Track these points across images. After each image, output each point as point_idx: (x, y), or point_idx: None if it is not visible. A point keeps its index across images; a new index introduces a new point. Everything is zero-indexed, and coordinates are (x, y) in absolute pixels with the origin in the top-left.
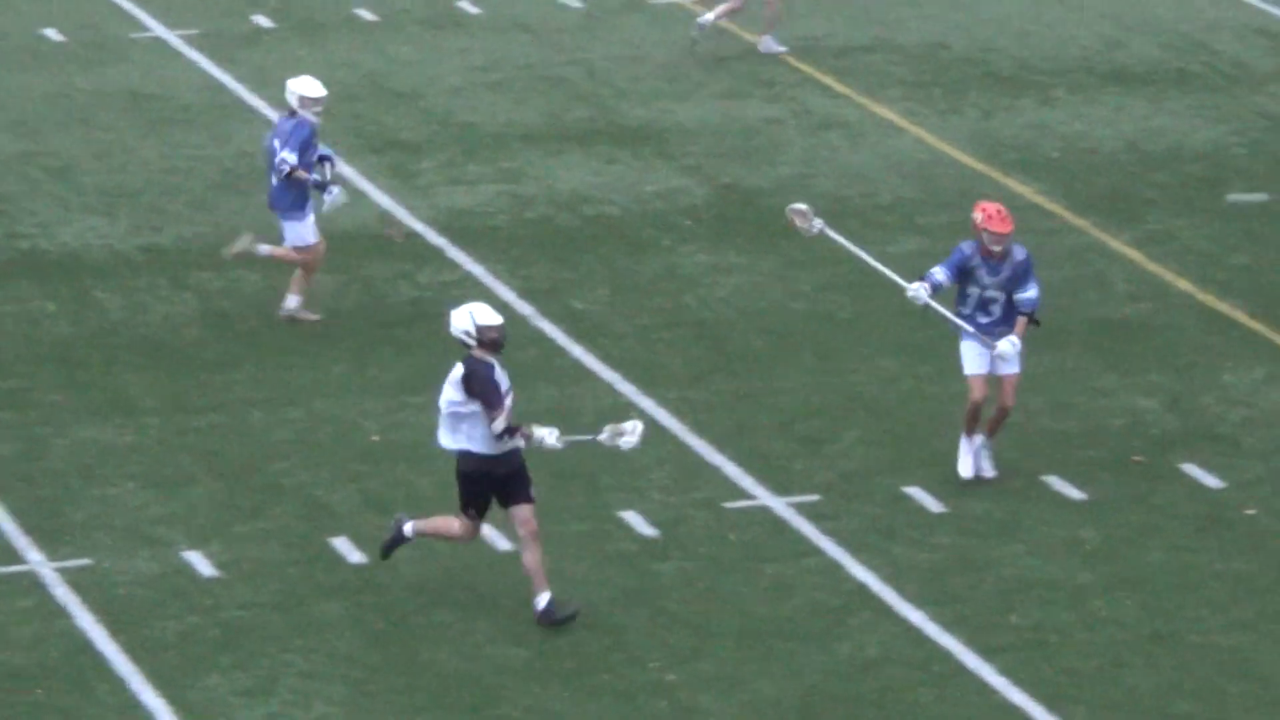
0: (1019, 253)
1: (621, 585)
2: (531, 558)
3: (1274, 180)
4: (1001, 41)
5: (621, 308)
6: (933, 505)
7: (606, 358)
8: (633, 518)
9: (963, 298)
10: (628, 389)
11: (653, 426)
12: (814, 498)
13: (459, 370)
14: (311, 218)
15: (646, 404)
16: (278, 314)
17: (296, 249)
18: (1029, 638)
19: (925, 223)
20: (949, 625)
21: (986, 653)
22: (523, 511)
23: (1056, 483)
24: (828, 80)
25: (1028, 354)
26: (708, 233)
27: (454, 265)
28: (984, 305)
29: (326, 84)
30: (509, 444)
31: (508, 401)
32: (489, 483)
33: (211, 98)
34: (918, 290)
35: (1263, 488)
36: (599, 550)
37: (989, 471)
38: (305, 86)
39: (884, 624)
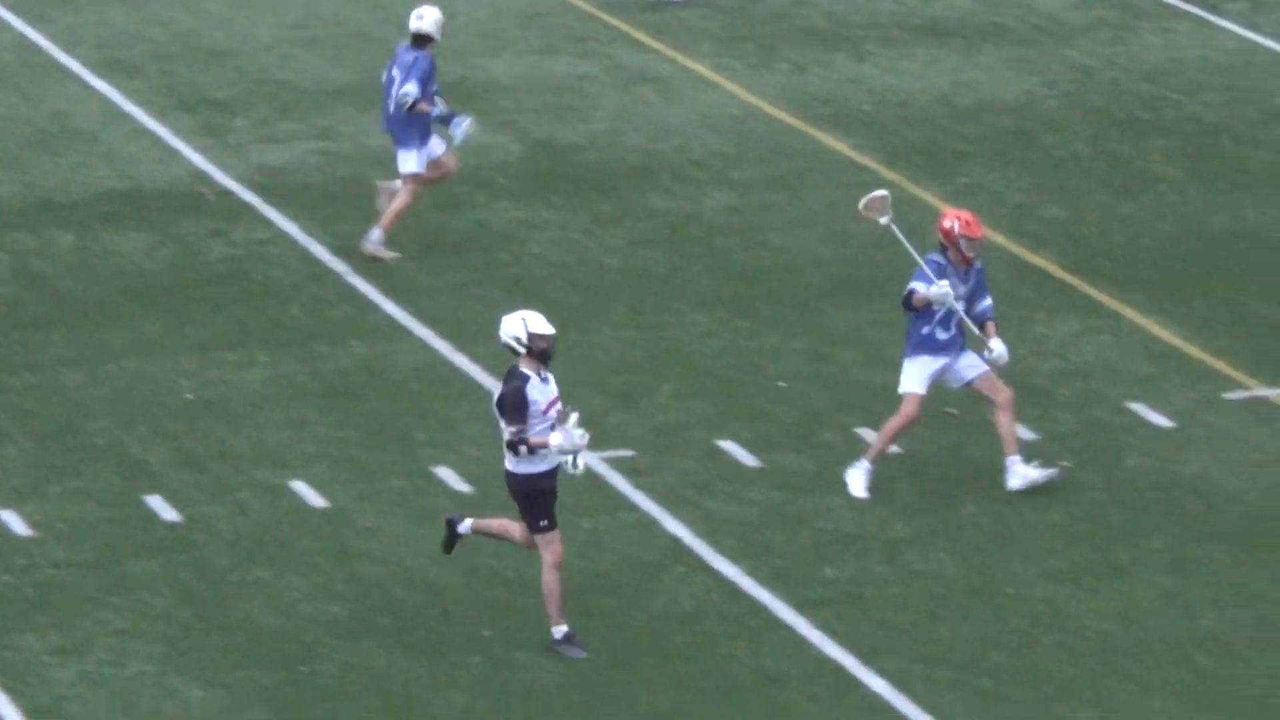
0: (978, 261)
1: (435, 541)
2: (551, 579)
3: (1085, 132)
4: None
5: (434, 264)
6: (747, 459)
7: (419, 314)
8: (447, 474)
9: (929, 314)
10: (441, 345)
11: (465, 382)
12: (628, 453)
13: (498, 393)
14: (428, 147)
15: (459, 360)
16: (360, 247)
17: (413, 175)
18: (844, 591)
19: (738, 177)
20: (764, 579)
21: (802, 606)
22: (553, 535)
23: (870, 435)
24: (640, 36)
25: (843, 310)
26: (520, 189)
27: (267, 223)
28: (946, 319)
29: (138, 42)
30: (525, 455)
31: (552, 412)
32: (545, 495)
33: (24, 57)
34: (945, 288)
35: (1076, 440)
36: (415, 506)
37: (1043, 477)
38: (436, 21)
39: (699, 578)
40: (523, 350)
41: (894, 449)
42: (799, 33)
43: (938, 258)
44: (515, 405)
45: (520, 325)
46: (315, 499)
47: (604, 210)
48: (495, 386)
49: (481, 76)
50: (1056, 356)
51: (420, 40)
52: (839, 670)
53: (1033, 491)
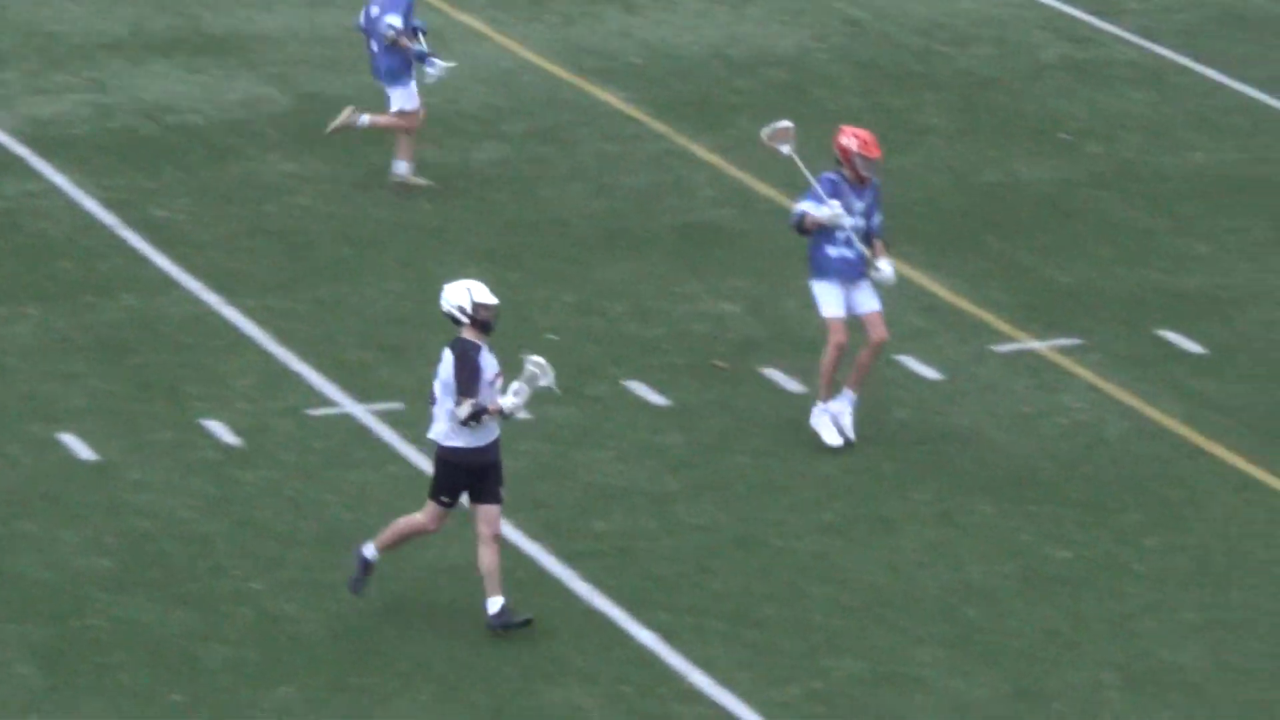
0: (874, 179)
1: (205, 494)
2: (490, 559)
3: (856, 85)
4: None
5: (204, 217)
6: (517, 412)
7: (190, 267)
8: (216, 426)
9: (829, 235)
10: (211, 298)
11: (236, 335)
12: (397, 405)
13: (449, 357)
14: (414, 84)
15: (229, 313)
16: (389, 180)
17: (401, 114)
18: (613, 544)
19: (508, 130)
20: (533, 532)
21: (570, 559)
22: (491, 511)
23: (640, 388)
24: None
25: (613, 263)
26: (291, 141)
27: (37, 175)
28: (846, 240)
29: None
30: (476, 427)
31: (497, 384)
32: (466, 474)
33: None
34: (837, 208)
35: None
36: (183, 459)
37: (852, 433)
38: None
39: (467, 531)
40: (466, 320)
41: (663, 400)
42: None
43: (833, 176)
44: (471, 374)
45: (465, 294)
46: (85, 452)
47: (374, 163)
48: (265, 339)
49: (252, 29)
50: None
51: None
52: (608, 622)
53: (803, 444)
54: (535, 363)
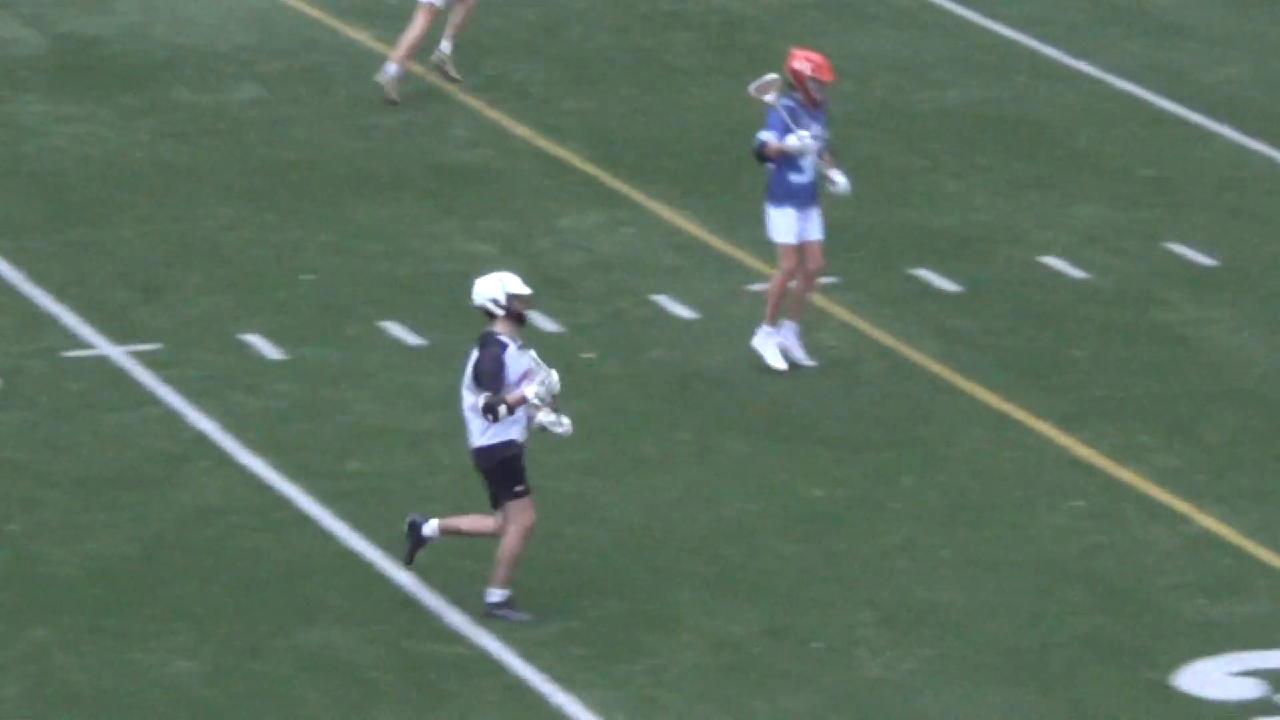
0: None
1: None
2: (510, 545)
3: (609, 24)
4: None
5: None
6: (271, 352)
7: None
8: None
9: (791, 161)
10: None
11: None
12: (153, 346)
13: (474, 355)
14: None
15: None
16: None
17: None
18: (369, 484)
19: (263, 70)
20: (289, 472)
21: (326, 499)
22: (524, 501)
23: (395, 328)
24: None
25: (367, 204)
26: (45, 82)
27: None
28: (803, 164)
29: None
30: (492, 422)
31: (523, 384)
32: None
33: None
34: (805, 138)
35: (600, 331)
36: None
37: (804, 357)
38: None
39: (224, 472)
40: (500, 313)
41: (418, 341)
42: None
43: (788, 102)
44: (493, 374)
45: (498, 286)
46: None
47: (130, 103)
48: (20, 280)
49: None
50: (580, 249)
51: None
52: (365, 563)
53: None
54: (543, 375)
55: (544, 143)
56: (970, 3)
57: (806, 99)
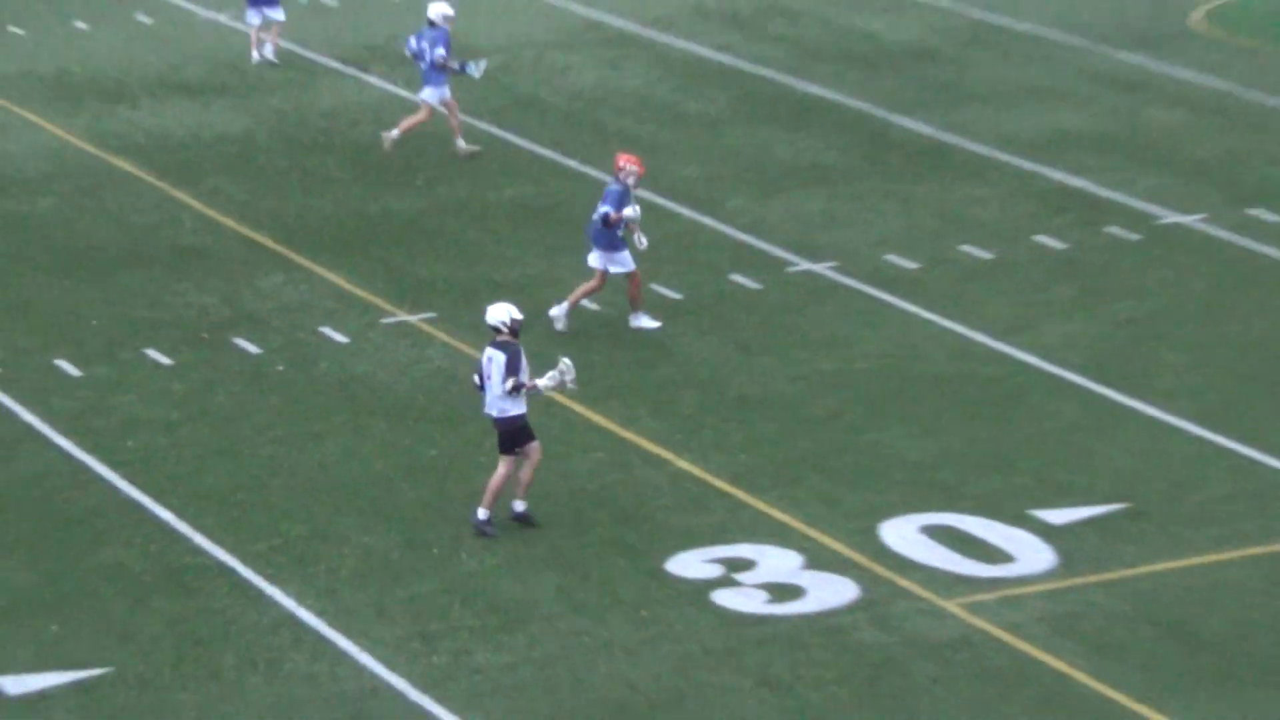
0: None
1: None
2: (529, 473)
3: (285, 152)
4: None
5: None
6: (73, 371)
7: None
8: None
9: (619, 225)
10: None
11: None
12: None
13: (503, 356)
14: (447, 88)
15: None
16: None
17: (430, 108)
18: (140, 455)
19: (58, 188)
20: (89, 449)
21: (113, 465)
22: (535, 446)
23: (153, 353)
24: None
25: (132, 270)
26: None
27: None
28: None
29: None
30: (515, 398)
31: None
32: (523, 428)
33: None
34: (636, 211)
35: (285, 352)
36: None
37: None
38: (446, 7)
39: (45, 451)
40: (507, 331)
41: (168, 361)
42: (100, 92)
43: (617, 187)
44: (520, 364)
45: (507, 313)
46: None
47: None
48: None
49: None
50: (271, 299)
51: (433, 24)
52: (140, 505)
53: (263, 388)
54: (565, 364)
55: (246, 230)
56: (518, 133)
57: (628, 186)
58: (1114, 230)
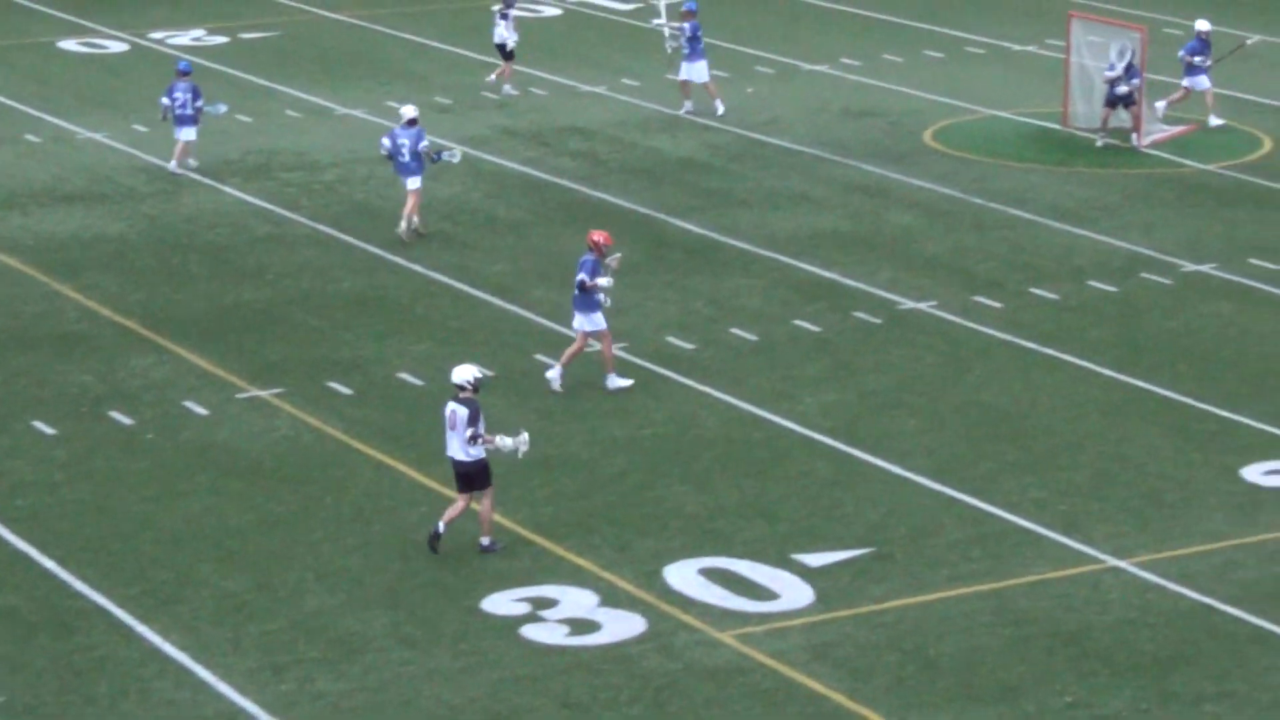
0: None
1: None
2: (486, 511)
3: (152, 251)
4: None
5: None
6: (502, 450)
7: None
8: None
9: (594, 292)
10: None
11: None
12: None
13: (465, 411)
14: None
15: None
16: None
17: (417, 193)
18: (26, 514)
19: None
20: None
21: (5, 523)
22: (489, 491)
23: (40, 425)
24: None
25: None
26: None
27: None
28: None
29: None
30: (475, 447)
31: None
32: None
33: None
34: (612, 283)
35: (156, 423)
36: None
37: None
38: (413, 110)
39: None
40: (470, 388)
41: (53, 432)
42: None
43: (591, 258)
44: (479, 417)
45: (471, 373)
46: None
47: None
48: None
49: None
50: (141, 379)
51: (412, 122)
52: (26, 558)
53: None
54: (524, 437)
55: (121, 319)
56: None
57: (600, 256)
58: (860, 315)
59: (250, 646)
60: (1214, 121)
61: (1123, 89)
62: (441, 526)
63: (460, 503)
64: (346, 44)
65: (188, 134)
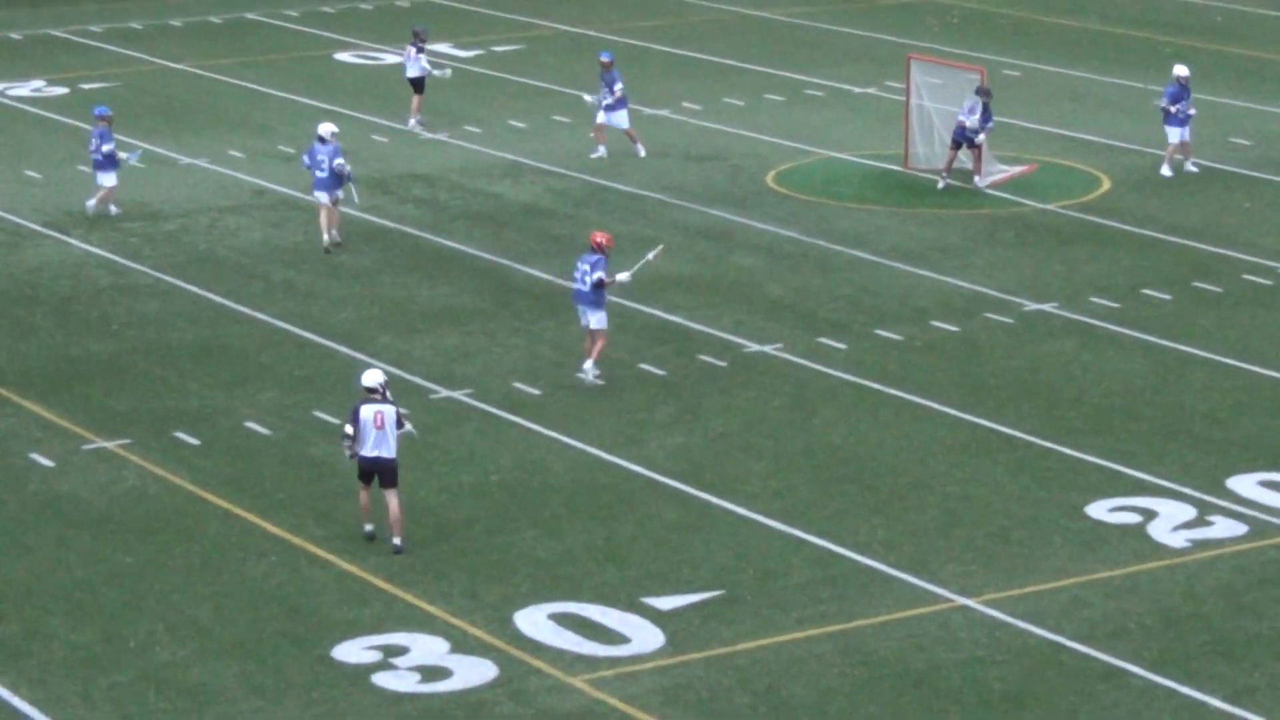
0: None
1: None
2: (396, 510)
3: (51, 309)
4: None
5: None
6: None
7: None
8: None
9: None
10: None
11: None
12: None
13: (392, 410)
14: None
15: None
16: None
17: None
18: None
19: None
20: None
21: None
22: (398, 493)
23: None
24: None
25: None
26: None
27: None
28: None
29: None
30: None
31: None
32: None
33: None
34: (627, 277)
35: None
36: None
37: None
38: (331, 127)
39: None
40: (382, 390)
41: None
42: None
43: (600, 257)
44: (400, 419)
45: (379, 377)
46: None
47: None
48: None
49: None
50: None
51: (323, 139)
52: None
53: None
54: (404, 413)
55: None
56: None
57: (605, 256)
58: (705, 358)
59: (101, 699)
60: (1165, 172)
61: (980, 137)
62: (369, 528)
63: (364, 497)
64: (187, 93)
65: (107, 179)
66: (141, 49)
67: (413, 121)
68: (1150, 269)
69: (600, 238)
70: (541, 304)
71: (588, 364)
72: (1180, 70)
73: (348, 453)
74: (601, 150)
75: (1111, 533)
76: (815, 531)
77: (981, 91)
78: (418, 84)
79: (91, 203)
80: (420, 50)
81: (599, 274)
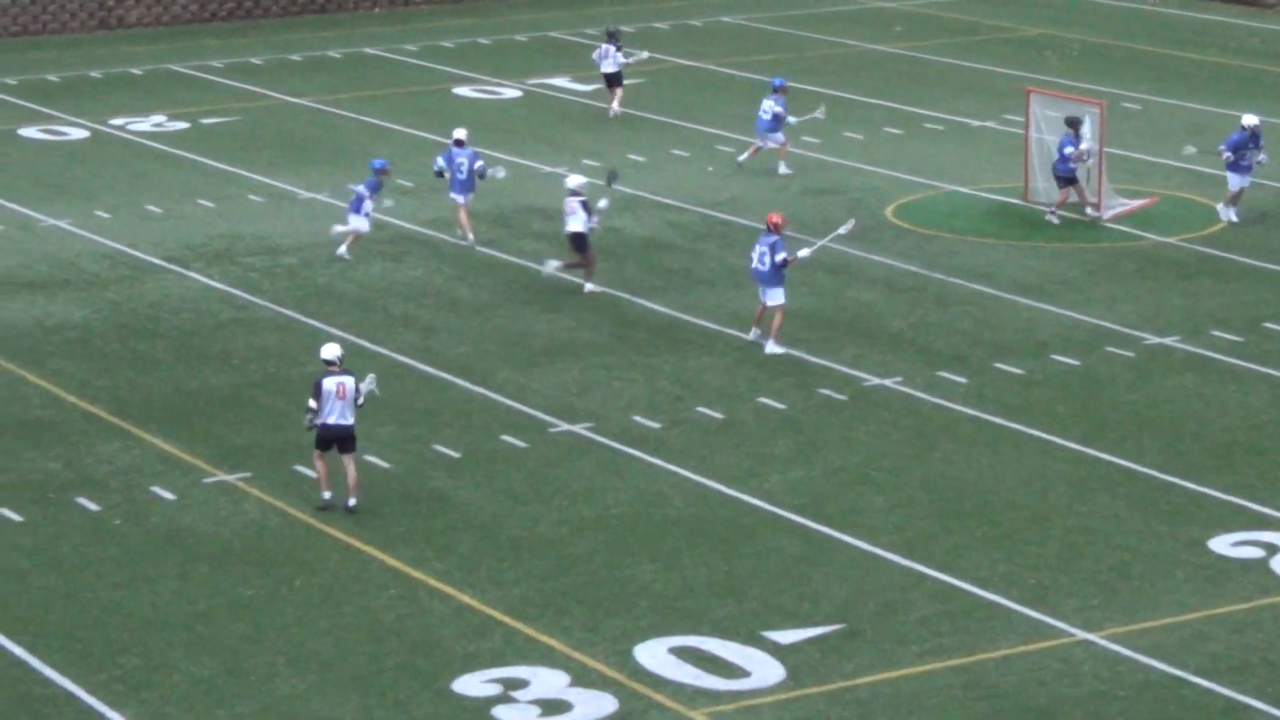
0: None
1: None
2: (353, 474)
3: (117, 338)
4: None
5: None
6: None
7: None
8: None
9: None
10: None
11: None
12: None
13: (352, 381)
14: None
15: None
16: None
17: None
18: None
19: None
20: None
21: None
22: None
23: (7, 512)
24: None
25: None
26: None
27: None
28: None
29: None
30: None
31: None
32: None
33: None
34: (805, 254)
35: (122, 508)
36: None
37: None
38: (463, 132)
39: None
40: (339, 362)
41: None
42: None
43: (777, 238)
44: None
45: (337, 350)
46: None
47: None
48: None
49: None
50: (108, 463)
51: (460, 143)
52: None
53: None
54: (370, 379)
55: (84, 404)
56: None
57: (780, 236)
58: (825, 391)
59: None
60: (1231, 217)
61: (1083, 165)
62: (328, 495)
63: (320, 464)
64: (307, 128)
65: (356, 224)
66: (262, 84)
67: (615, 107)
68: (1272, 302)
69: (776, 218)
70: (660, 337)
71: (769, 342)
72: (1250, 120)
73: (308, 424)
74: (784, 168)
75: (1234, 567)
76: (935, 565)
77: (1070, 123)
78: (614, 78)
79: (342, 250)
80: (617, 48)
81: (781, 255)
